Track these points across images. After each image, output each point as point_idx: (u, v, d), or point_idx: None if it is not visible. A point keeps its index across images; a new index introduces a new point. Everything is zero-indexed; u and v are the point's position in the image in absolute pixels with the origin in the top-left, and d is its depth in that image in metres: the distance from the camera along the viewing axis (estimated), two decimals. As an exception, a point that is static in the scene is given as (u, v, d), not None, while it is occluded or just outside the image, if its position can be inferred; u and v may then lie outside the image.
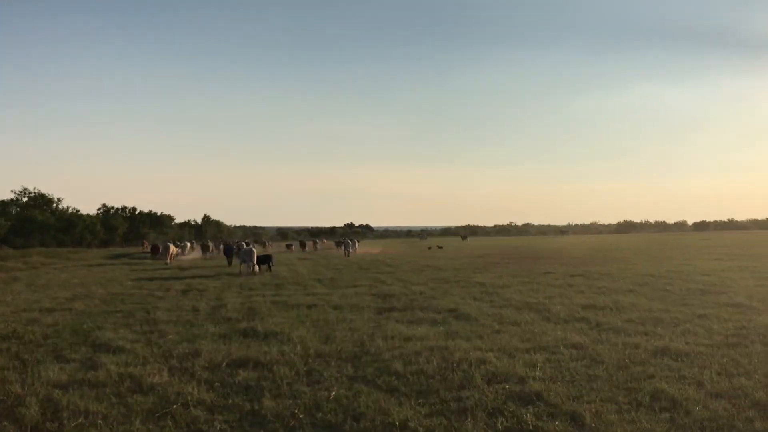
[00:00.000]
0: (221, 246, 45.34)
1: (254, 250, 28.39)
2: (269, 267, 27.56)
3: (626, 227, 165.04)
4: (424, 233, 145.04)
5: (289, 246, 61.49)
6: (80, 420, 6.06)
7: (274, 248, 61.09)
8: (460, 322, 12.05)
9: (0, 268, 30.93)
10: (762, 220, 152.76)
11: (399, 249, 63.51)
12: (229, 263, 32.74)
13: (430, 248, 59.48)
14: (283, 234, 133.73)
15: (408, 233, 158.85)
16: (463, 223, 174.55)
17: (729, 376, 7.42)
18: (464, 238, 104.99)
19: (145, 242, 48.86)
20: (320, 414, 6.20)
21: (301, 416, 6.14)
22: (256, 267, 26.76)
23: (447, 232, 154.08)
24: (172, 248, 41.06)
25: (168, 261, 37.92)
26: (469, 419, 5.93)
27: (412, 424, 5.78)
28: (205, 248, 46.80)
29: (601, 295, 15.92)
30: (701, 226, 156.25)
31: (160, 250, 41.03)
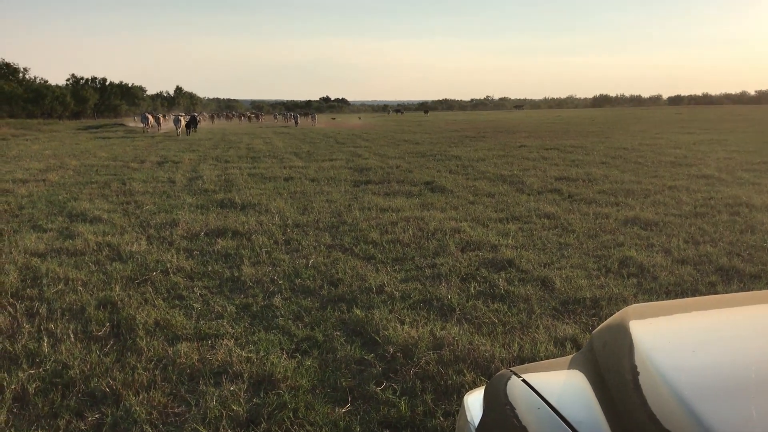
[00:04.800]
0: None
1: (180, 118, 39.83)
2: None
3: (601, 101, 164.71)
4: (401, 108, 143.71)
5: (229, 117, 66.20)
6: (60, 286, 6.14)
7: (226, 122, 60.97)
8: (435, 194, 12.18)
9: (-32, 140, 30.24)
10: (736, 95, 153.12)
11: (368, 122, 63.18)
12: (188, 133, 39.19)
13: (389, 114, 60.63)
14: (257, 107, 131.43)
15: (384, 107, 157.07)
16: (440, 98, 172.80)
17: (695, 243, 7.67)
18: (426, 112, 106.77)
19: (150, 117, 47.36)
20: (299, 280, 6.34)
21: (280, 282, 6.28)
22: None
23: (423, 106, 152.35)
24: (151, 119, 42.20)
25: (146, 130, 38.97)
26: (443, 284, 6.12)
27: (388, 289, 5.95)
28: (176, 121, 46.32)
29: (574, 168, 16.11)
30: (676, 101, 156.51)
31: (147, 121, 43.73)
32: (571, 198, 11.39)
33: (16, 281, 6.32)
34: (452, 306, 5.46)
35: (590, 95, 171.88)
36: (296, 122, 60.42)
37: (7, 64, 71.90)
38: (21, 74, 72.98)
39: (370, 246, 7.79)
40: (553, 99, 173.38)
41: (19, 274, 6.56)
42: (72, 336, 4.85)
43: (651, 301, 5.47)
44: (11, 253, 7.53)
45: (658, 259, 6.90)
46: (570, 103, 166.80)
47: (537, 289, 5.91)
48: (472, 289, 5.94)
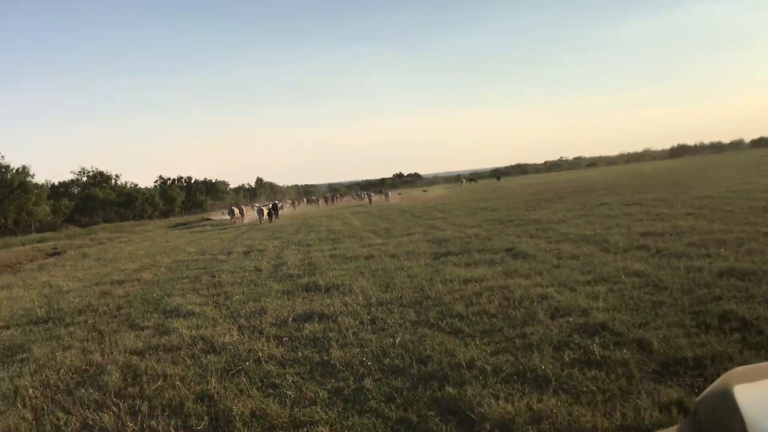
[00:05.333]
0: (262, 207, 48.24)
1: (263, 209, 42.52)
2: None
3: (680, 151, 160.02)
4: (474, 176, 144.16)
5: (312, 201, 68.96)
6: (159, 383, 6.34)
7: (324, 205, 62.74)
8: (518, 261, 12.02)
9: (69, 246, 32.15)
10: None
11: (441, 193, 63.50)
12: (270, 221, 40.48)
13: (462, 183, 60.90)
14: (334, 189, 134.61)
15: (457, 177, 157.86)
16: (513, 163, 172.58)
17: (800, 291, 7.24)
18: (498, 178, 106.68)
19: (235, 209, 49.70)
20: (387, 360, 6.33)
21: (369, 363, 6.28)
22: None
23: (496, 172, 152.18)
24: (236, 211, 45.24)
25: (234, 222, 41.85)
26: (535, 354, 5.97)
27: (478, 363, 5.85)
28: (259, 212, 48.14)
29: (660, 222, 15.62)
30: (759, 143, 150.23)
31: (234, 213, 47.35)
32: (660, 253, 11.01)
33: (119, 380, 6.57)
34: (547, 376, 5.31)
35: (668, 146, 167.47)
36: (370, 200, 62.78)
37: (101, 173, 76.88)
38: (113, 180, 77.85)
39: (456, 319, 7.72)
40: (629, 153, 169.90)
41: (120, 374, 6.83)
42: None
43: (759, 357, 5.16)
44: (112, 353, 7.86)
45: (761, 311, 6.53)
46: (647, 156, 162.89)
47: (634, 352, 5.69)
48: (566, 357, 5.77)
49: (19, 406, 6.05)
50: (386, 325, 7.85)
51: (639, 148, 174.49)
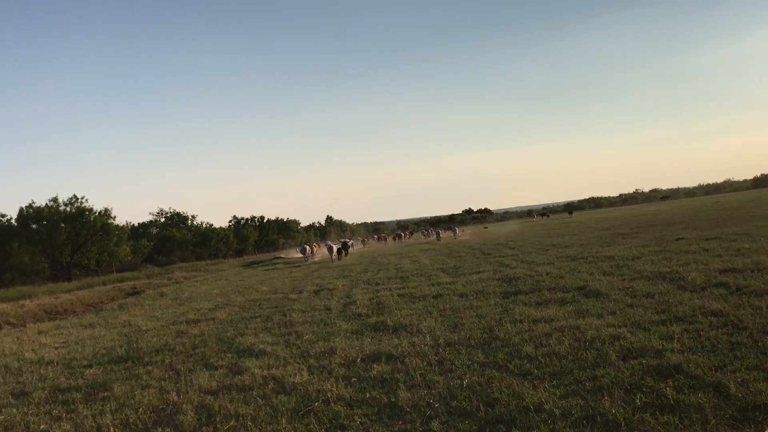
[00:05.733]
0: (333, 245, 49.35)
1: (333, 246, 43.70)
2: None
3: (764, 181, 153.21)
4: (546, 211, 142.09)
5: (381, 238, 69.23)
6: (232, 423, 6.51)
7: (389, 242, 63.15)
8: (590, 300, 11.79)
9: (148, 285, 33.35)
10: None
11: (512, 230, 62.81)
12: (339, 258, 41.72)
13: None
14: (402, 226, 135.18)
15: (528, 212, 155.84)
16: (586, 196, 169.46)
17: None
18: (570, 213, 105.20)
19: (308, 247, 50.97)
20: (455, 402, 6.32)
21: (436, 405, 6.29)
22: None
23: (569, 207, 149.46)
24: (308, 249, 47.73)
25: (306, 259, 42.86)
26: (605, 397, 5.85)
27: (547, 406, 5.78)
28: (329, 249, 48.85)
29: (740, 257, 15.03)
30: None
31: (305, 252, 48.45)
32: (740, 291, 10.59)
33: (193, 420, 6.78)
34: (617, 421, 5.20)
35: (750, 176, 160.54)
36: (438, 237, 62.88)
37: (178, 214, 79.97)
38: (189, 221, 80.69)
39: (525, 361, 7.64)
40: (708, 184, 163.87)
41: (195, 413, 7.05)
42: (244, 471, 5.09)
43: None
44: (187, 392, 8.11)
45: None
46: (728, 186, 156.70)
47: (710, 396, 5.50)
48: (637, 400, 5.63)
49: (101, 444, 6.32)
50: (454, 367, 7.84)
51: (719, 179, 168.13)
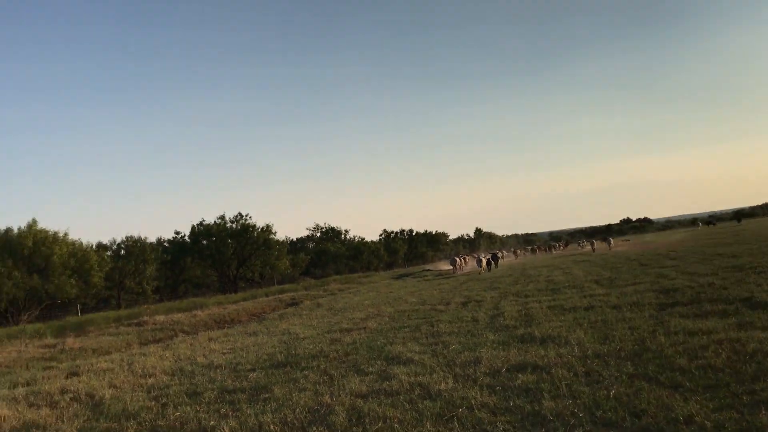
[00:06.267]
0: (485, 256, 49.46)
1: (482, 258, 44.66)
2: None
3: None
4: (712, 218, 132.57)
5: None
6: (380, 424, 6.82)
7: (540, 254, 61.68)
8: (755, 312, 11.03)
9: (305, 297, 35.09)
10: None
11: (674, 239, 59.21)
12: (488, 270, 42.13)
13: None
14: (555, 238, 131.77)
15: (693, 221, 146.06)
16: (759, 202, 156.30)
17: None
18: (739, 221, 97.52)
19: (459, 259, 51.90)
20: (600, 412, 6.23)
21: (580, 415, 6.24)
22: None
23: (738, 214, 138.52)
24: (458, 261, 46.59)
25: (455, 271, 43.27)
26: (763, 412, 5.53)
27: (698, 419, 5.56)
28: (478, 261, 48.64)
29: None
30: None
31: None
32: None
33: (344, 420, 7.18)
34: (776, 437, 4.92)
35: None
36: (593, 248, 60.82)
37: (332, 228, 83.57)
38: (343, 235, 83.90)
39: (677, 373, 7.35)
40: None
41: (346, 414, 7.45)
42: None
43: None
44: (339, 395, 8.56)
45: None
46: None
47: None
48: (800, 417, 5.28)
49: (262, 439, 6.86)
50: (601, 378, 7.69)
51: None
